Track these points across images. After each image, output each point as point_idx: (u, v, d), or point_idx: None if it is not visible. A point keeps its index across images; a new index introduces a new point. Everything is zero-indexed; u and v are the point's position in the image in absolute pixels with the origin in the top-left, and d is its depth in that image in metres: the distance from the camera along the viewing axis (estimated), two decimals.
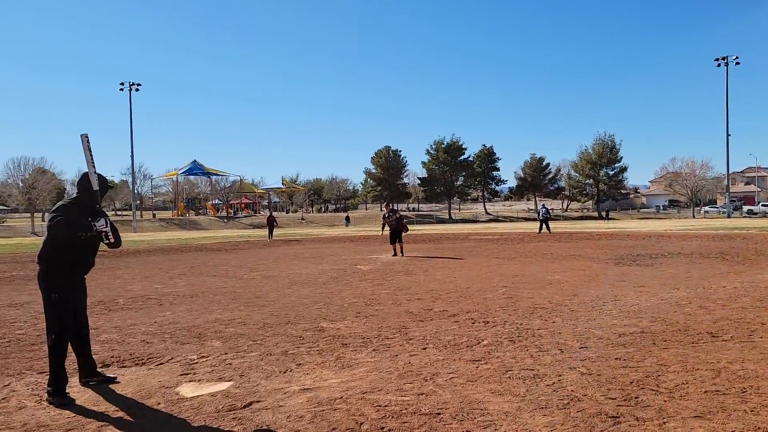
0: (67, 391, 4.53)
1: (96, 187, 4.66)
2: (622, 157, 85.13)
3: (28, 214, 71.03)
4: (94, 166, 4.68)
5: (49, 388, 4.49)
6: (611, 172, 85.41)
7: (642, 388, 4.40)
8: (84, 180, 4.73)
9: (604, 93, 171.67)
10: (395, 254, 18.03)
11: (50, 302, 4.57)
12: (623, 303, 8.31)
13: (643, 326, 6.68)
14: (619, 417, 3.81)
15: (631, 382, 4.55)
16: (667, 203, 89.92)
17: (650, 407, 3.98)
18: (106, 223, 4.56)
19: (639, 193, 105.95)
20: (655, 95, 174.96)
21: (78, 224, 4.52)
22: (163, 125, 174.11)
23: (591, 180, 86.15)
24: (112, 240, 4.65)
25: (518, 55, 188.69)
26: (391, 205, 19.89)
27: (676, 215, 75.56)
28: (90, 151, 4.70)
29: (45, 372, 5.25)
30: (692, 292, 9.19)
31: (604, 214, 75.39)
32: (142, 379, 5.02)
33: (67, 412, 4.20)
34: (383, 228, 19.56)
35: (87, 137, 4.71)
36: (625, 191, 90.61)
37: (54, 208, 4.69)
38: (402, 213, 18.80)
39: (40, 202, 68.58)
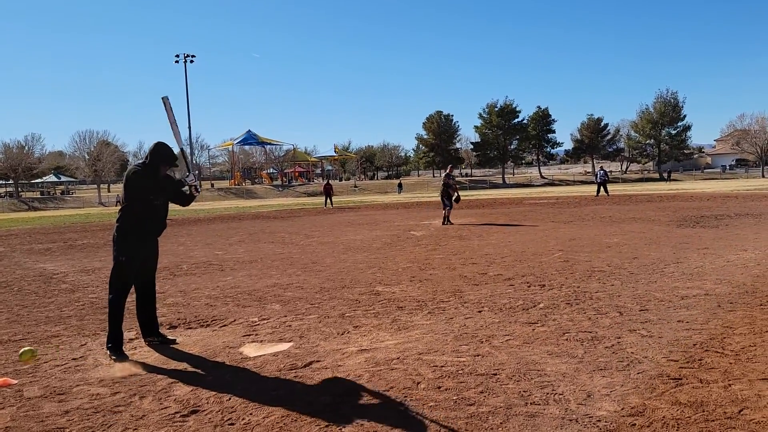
0: (129, 348, 4.81)
1: (181, 145, 4.96)
2: (685, 116, 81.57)
3: (95, 186, 74.35)
4: (177, 126, 4.88)
5: (109, 344, 4.78)
6: (674, 132, 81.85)
7: (706, 351, 4.28)
8: (152, 149, 4.90)
9: (665, 48, 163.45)
10: (445, 222, 17.00)
11: (118, 262, 4.82)
12: (686, 265, 8.05)
13: (707, 288, 6.47)
14: (681, 379, 3.73)
15: (694, 345, 4.44)
16: (734, 163, 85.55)
17: (715, 369, 3.88)
18: (195, 177, 4.93)
19: (703, 152, 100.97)
20: (721, 49, 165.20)
21: (151, 188, 4.76)
22: (217, 95, 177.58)
23: (652, 140, 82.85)
24: (198, 192, 5.07)
25: (574, 12, 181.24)
26: (449, 168, 18.68)
27: (744, 175, 71.93)
28: (172, 111, 4.91)
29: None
30: (761, 254, 8.80)
31: (665, 175, 72.56)
32: (207, 340, 5.25)
33: (139, 368, 4.45)
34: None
35: (167, 99, 4.90)
36: (688, 151, 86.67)
37: (127, 172, 4.92)
38: (449, 180, 17.10)
39: (105, 174, 71.56)
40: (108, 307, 4.85)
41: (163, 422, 3.42)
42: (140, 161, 5.06)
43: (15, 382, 4.22)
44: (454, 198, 17.12)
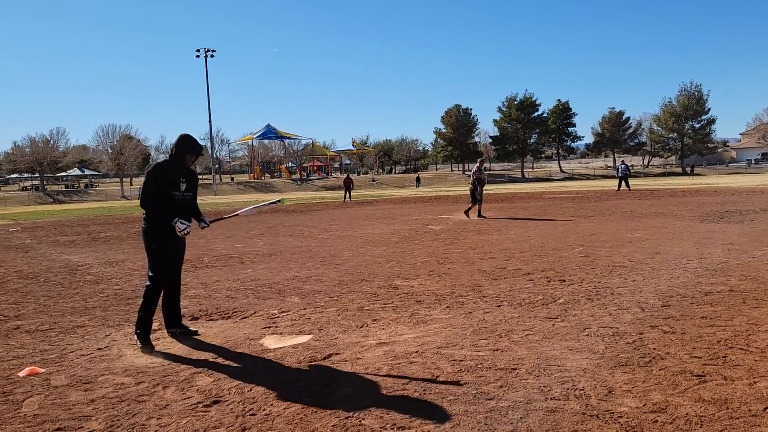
0: (158, 339, 4.89)
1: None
2: (709, 109, 79.91)
3: (117, 179, 75.39)
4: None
5: (138, 331, 4.86)
6: (697, 125, 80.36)
7: (730, 348, 4.23)
8: (177, 141, 4.99)
9: (688, 40, 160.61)
10: (478, 215, 16.93)
11: (151, 251, 4.91)
12: (710, 261, 7.93)
13: (731, 284, 6.37)
14: (705, 376, 3.69)
15: (718, 341, 4.38)
16: (759, 157, 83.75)
17: (739, 366, 3.83)
18: (185, 227, 4.90)
19: (728, 146, 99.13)
20: (747, 41, 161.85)
21: (170, 181, 4.82)
22: (237, 90, 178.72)
23: (675, 134, 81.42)
24: (187, 233, 4.99)
25: (596, 4, 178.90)
26: (480, 162, 18.65)
27: None
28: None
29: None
30: None
31: (688, 169, 71.39)
32: (228, 332, 5.32)
33: (162, 359, 4.53)
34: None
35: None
36: (712, 145, 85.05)
37: (149, 167, 5.01)
38: (480, 175, 17.04)
39: (127, 168, 72.52)
40: (144, 296, 4.94)
41: (186, 412, 3.47)
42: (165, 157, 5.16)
43: (42, 370, 4.31)
44: (478, 193, 17.06)
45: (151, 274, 4.94)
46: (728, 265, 7.61)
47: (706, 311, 5.29)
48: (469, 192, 17.74)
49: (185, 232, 4.89)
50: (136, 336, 4.88)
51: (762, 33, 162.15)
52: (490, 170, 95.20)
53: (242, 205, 30.66)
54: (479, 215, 16.96)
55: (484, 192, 18.15)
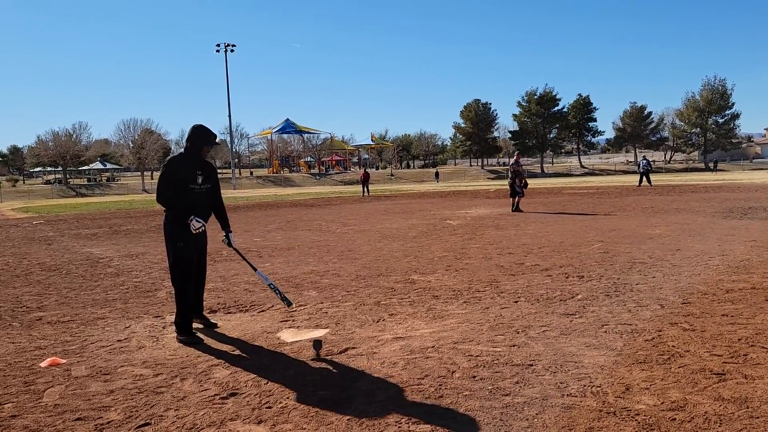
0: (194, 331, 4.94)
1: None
2: (734, 104, 78.60)
3: (139, 173, 76.27)
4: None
5: (180, 330, 4.90)
6: (721, 120, 79.02)
7: (752, 346, 4.16)
8: (192, 132, 5.00)
9: (713, 33, 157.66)
10: (514, 208, 17.13)
11: (176, 249, 4.91)
12: (732, 258, 7.80)
13: (754, 282, 6.26)
14: (725, 374, 3.63)
15: (739, 339, 4.31)
16: None
17: (761, 365, 3.77)
18: (200, 225, 4.87)
19: (753, 142, 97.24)
20: None
21: (185, 177, 4.83)
22: (257, 84, 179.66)
23: (698, 129, 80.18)
24: (203, 230, 4.97)
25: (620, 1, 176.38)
26: (516, 155, 18.88)
27: None
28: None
29: (160, 316, 5.74)
30: None
31: (711, 165, 70.18)
32: (246, 325, 5.36)
33: (181, 351, 4.58)
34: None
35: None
36: (736, 140, 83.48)
37: (165, 161, 5.02)
38: (518, 168, 17.35)
39: (148, 161, 73.34)
40: (176, 295, 4.97)
41: (203, 404, 3.51)
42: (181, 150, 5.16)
43: (64, 361, 4.39)
44: (522, 185, 17.28)
45: (174, 270, 4.95)
46: (751, 262, 7.48)
47: (727, 309, 5.21)
48: (508, 186, 17.75)
49: (200, 230, 4.88)
50: (177, 333, 4.92)
51: None
52: (508, 165, 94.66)
53: (260, 199, 30.82)
54: (515, 208, 17.12)
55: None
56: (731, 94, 78.12)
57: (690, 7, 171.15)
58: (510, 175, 17.51)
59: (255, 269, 5.32)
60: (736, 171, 61.56)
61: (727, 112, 78.66)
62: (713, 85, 78.41)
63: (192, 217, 4.84)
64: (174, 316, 5.01)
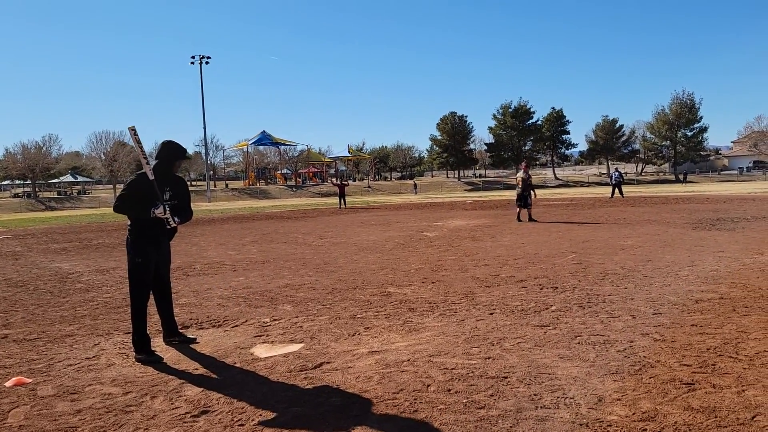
0: (152, 348, 4.84)
1: (151, 176, 4.75)
2: (701, 117, 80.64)
3: (111, 186, 75.09)
4: (145, 157, 4.84)
5: (137, 349, 4.79)
6: (690, 133, 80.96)
7: (720, 355, 4.23)
8: (163, 148, 4.95)
9: (681, 49, 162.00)
10: (519, 219, 17.33)
11: (135, 264, 4.83)
12: (701, 268, 7.96)
13: (722, 292, 6.39)
14: (694, 384, 3.69)
15: (707, 349, 4.39)
16: (751, 165, 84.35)
17: (728, 374, 3.84)
18: (165, 209, 4.73)
19: (720, 154, 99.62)
20: (737, 50, 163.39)
21: (149, 196, 4.75)
22: (232, 96, 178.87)
23: (668, 142, 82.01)
24: (174, 224, 4.86)
25: (589, 13, 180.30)
26: (525, 164, 18.93)
27: (762, 177, 70.87)
28: (139, 143, 4.86)
29: (130, 332, 5.62)
30: None
31: (681, 177, 71.71)
32: (218, 340, 5.29)
33: (151, 369, 4.49)
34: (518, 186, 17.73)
35: (134, 129, 4.86)
36: (704, 153, 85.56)
37: (126, 182, 4.94)
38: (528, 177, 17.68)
39: (121, 174, 72.26)
40: (132, 311, 4.87)
41: (174, 422, 3.44)
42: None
43: (29, 380, 4.27)
44: (533, 195, 17.60)
45: (133, 287, 4.87)
46: (719, 272, 7.64)
47: (697, 319, 5.30)
48: (517, 197, 17.61)
49: (163, 215, 4.70)
50: (135, 352, 4.81)
51: (752, 42, 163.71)
52: (485, 177, 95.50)
53: (235, 212, 30.56)
54: (519, 219, 17.38)
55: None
56: (699, 108, 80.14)
57: (658, 21, 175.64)
58: (522, 185, 17.36)
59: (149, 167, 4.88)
60: (705, 183, 63.01)
61: (695, 125, 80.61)
62: (682, 98, 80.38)
63: (151, 208, 4.70)
64: (131, 334, 4.90)
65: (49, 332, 5.79)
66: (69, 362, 4.74)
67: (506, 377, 3.96)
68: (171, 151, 4.98)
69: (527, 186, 17.37)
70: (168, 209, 4.76)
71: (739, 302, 5.89)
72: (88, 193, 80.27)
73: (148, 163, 4.80)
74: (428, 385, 3.88)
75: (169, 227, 4.88)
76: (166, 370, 4.47)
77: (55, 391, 4.05)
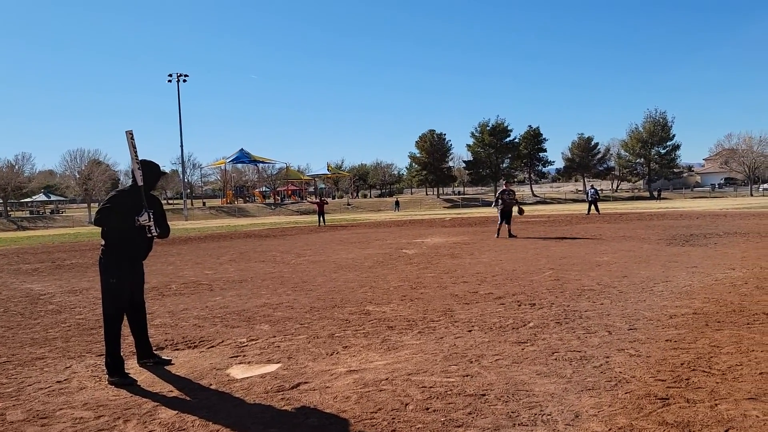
0: (126, 371, 4.74)
1: (141, 182, 4.81)
2: (674, 135, 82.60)
3: (85, 205, 73.93)
4: (138, 163, 4.83)
5: (109, 371, 4.69)
6: (663, 151, 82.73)
7: (693, 370, 4.29)
8: (147, 168, 4.94)
9: (654, 69, 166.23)
10: (498, 235, 17.69)
11: (109, 285, 4.76)
12: (675, 284, 8.08)
13: (695, 307, 6.49)
14: (668, 399, 3.73)
15: (681, 364, 4.44)
16: (722, 181, 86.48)
17: (702, 389, 3.89)
18: (149, 217, 4.71)
19: (693, 171, 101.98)
20: (710, 69, 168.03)
21: (129, 212, 4.71)
22: (210, 114, 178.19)
23: (642, 159, 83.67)
24: (156, 233, 4.82)
25: (563, 30, 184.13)
26: (509, 183, 19.62)
27: (733, 194, 72.55)
28: (134, 147, 4.85)
29: (103, 354, 5.51)
30: (748, 272, 8.85)
31: (656, 193, 73.08)
32: (194, 362, 5.20)
33: (124, 392, 4.40)
34: (496, 203, 18.16)
35: (131, 134, 4.85)
36: (678, 170, 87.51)
37: (107, 197, 4.89)
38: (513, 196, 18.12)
39: (95, 193, 71.24)
40: (105, 333, 4.77)
41: None
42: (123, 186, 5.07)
43: None
44: (517, 211, 18.23)
45: (105, 307, 4.79)
46: (692, 288, 7.77)
47: (671, 334, 5.37)
48: (501, 213, 17.87)
49: (147, 222, 4.66)
50: (108, 375, 4.70)
51: (720, 61, 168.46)
52: (464, 194, 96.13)
53: (213, 230, 30.28)
54: (498, 235, 17.83)
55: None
56: (672, 126, 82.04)
57: (629, 39, 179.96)
58: (507, 202, 17.69)
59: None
60: (679, 199, 64.25)
61: (668, 143, 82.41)
62: (655, 117, 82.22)
63: (136, 216, 4.66)
64: (105, 356, 4.80)
65: (19, 355, 5.64)
66: (39, 386, 4.62)
67: (484, 395, 3.97)
68: (152, 171, 4.96)
69: (512, 202, 17.72)
70: (152, 217, 4.72)
71: (712, 317, 5.99)
72: (62, 213, 78.96)
73: (139, 169, 4.79)
74: (406, 404, 3.86)
75: (150, 236, 4.81)
76: (140, 392, 4.39)
77: (25, 415, 3.95)
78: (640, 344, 5.06)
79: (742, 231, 16.62)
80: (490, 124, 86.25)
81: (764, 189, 71.78)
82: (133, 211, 4.73)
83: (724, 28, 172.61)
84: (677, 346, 4.94)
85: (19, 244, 25.84)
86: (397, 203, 70.28)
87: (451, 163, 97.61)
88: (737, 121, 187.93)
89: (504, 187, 18.34)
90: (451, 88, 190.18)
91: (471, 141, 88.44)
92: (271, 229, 30.70)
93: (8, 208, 75.14)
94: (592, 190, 32.28)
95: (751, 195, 65.62)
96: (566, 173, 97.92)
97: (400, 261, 12.68)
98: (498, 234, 17.83)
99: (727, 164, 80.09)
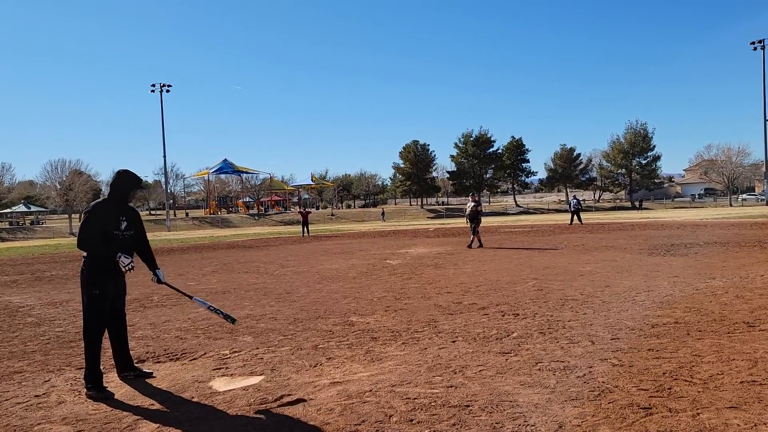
0: (104, 384, 4.67)
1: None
2: (655, 146, 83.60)
3: (66, 216, 72.94)
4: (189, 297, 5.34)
5: (88, 384, 4.62)
6: (644, 162, 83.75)
7: (675, 379, 4.33)
8: (118, 178, 4.89)
9: (635, 80, 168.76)
10: (470, 246, 18.26)
11: (91, 296, 4.69)
12: (656, 293, 8.17)
13: (676, 317, 6.56)
14: (651, 408, 3.76)
15: (663, 373, 4.48)
16: (702, 192, 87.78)
17: (684, 398, 3.92)
18: (129, 262, 4.69)
19: (673, 182, 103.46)
20: (689, 81, 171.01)
21: (108, 224, 4.67)
22: (193, 124, 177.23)
23: (623, 170, 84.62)
24: (131, 270, 4.74)
25: (546, 43, 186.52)
26: (476, 195, 20.09)
27: (713, 204, 73.66)
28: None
29: (83, 368, 5.42)
30: (728, 282, 8.98)
31: (637, 204, 73.93)
32: (176, 374, 5.14)
33: (104, 405, 4.33)
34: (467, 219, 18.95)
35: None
36: (658, 180, 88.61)
37: (87, 208, 4.84)
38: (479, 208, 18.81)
39: (77, 204, 70.33)
40: (85, 345, 4.70)
41: None
42: (104, 197, 5.03)
43: None
44: (475, 224, 18.54)
45: (86, 318, 4.72)
46: (674, 297, 7.85)
47: (653, 343, 5.42)
48: (470, 224, 18.63)
49: (129, 267, 4.70)
50: (86, 389, 4.63)
51: (700, 73, 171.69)
52: (447, 204, 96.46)
53: (196, 241, 30.03)
54: (479, 244, 18.27)
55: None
56: (652, 137, 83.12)
57: (610, 51, 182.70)
58: (467, 214, 18.67)
59: (191, 297, 5.42)
60: (660, 209, 65.04)
61: (649, 153, 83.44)
62: (636, 128, 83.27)
63: (119, 254, 4.66)
64: (84, 370, 4.73)
65: None
66: (17, 400, 4.53)
67: (468, 406, 3.96)
68: (126, 181, 4.91)
69: (476, 213, 18.32)
70: (131, 262, 4.70)
71: (693, 326, 6.05)
72: (42, 223, 77.79)
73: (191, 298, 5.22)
74: (390, 416, 3.84)
75: (125, 271, 4.75)
76: (120, 406, 4.32)
77: (2, 431, 3.86)
78: (623, 354, 5.10)
79: (722, 241, 16.86)
80: (474, 135, 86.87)
81: (743, 199, 72.93)
82: (111, 225, 4.69)
83: (702, 40, 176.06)
84: (659, 356, 4.99)
85: None
86: (383, 213, 70.36)
87: (434, 174, 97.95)
88: (717, 133, 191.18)
89: (478, 200, 19.12)
90: (434, 99, 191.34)
91: (454, 151, 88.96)
92: (255, 239, 30.52)
93: None
94: (575, 201, 32.59)
95: (731, 205, 66.64)
96: (549, 184, 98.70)
97: (383, 271, 12.66)
98: (479, 244, 18.32)
99: (706, 174, 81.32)
